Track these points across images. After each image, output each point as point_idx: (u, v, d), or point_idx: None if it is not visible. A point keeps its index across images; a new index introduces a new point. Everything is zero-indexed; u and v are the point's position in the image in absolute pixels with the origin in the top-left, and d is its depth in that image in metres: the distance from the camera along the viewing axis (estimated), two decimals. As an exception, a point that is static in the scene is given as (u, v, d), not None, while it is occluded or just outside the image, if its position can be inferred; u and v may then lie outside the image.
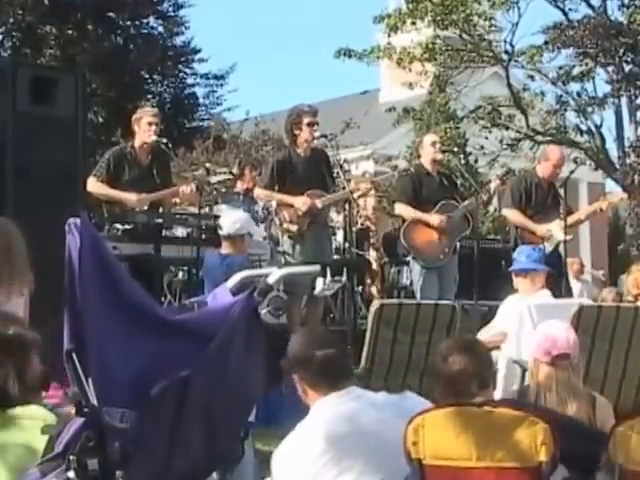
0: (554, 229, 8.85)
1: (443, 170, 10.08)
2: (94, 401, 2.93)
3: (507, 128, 21.70)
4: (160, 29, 26.29)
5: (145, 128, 8.44)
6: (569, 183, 9.46)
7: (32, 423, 3.40)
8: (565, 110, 21.80)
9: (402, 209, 9.17)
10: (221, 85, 26.72)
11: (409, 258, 9.07)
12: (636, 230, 22.24)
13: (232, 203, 10.14)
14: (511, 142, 21.76)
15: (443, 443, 3.65)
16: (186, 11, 26.39)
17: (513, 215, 9.11)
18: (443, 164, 13.65)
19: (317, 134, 8.54)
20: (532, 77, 21.70)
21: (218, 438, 3.14)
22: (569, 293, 9.10)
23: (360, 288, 11.01)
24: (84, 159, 7.65)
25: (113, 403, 2.94)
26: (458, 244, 9.11)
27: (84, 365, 2.95)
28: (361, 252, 11.80)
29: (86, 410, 2.94)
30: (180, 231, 8.60)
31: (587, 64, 21.01)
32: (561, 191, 9.22)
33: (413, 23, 20.36)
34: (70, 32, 24.54)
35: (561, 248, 8.87)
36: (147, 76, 26.04)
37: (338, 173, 8.86)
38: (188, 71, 26.62)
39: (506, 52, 21.30)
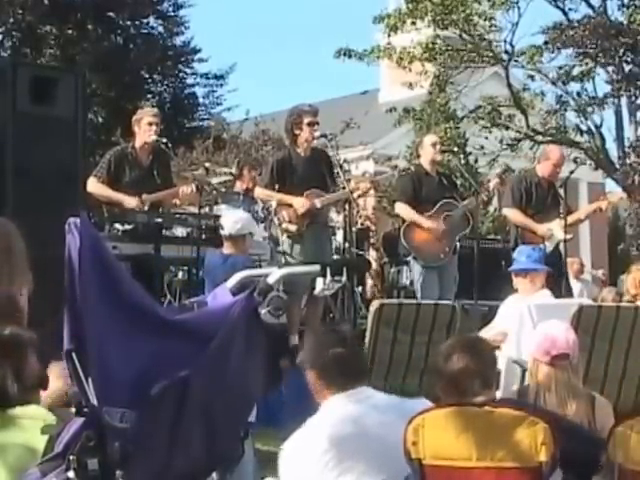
0: (554, 228, 8.85)
1: (442, 170, 10.08)
2: (94, 401, 2.92)
3: (507, 128, 21.69)
4: (160, 29, 26.31)
5: (145, 128, 8.45)
6: (569, 183, 9.47)
7: (32, 423, 3.40)
8: (565, 110, 21.80)
9: (402, 209, 9.18)
10: (221, 85, 26.75)
11: (409, 258, 9.07)
12: (636, 230, 22.25)
13: (232, 203, 10.14)
14: (511, 142, 21.76)
15: (443, 443, 3.65)
16: (186, 11, 26.45)
17: (514, 215, 9.11)
18: (443, 164, 13.67)
19: (317, 134, 8.55)
20: (532, 77, 21.71)
21: (218, 438, 3.14)
22: (569, 293, 9.11)
23: (360, 288, 11.01)
24: (84, 159, 7.65)
25: (113, 403, 2.94)
26: (458, 244, 9.11)
27: (84, 365, 2.95)
28: (361, 252, 11.79)
29: (86, 410, 2.94)
30: (180, 231, 8.59)
31: (587, 64, 21.01)
32: (561, 191, 9.22)
33: (413, 23, 20.36)
34: (70, 32, 24.55)
35: (561, 248, 8.88)
36: (147, 76, 26.04)
37: (338, 173, 8.86)
38: (188, 71, 26.63)
39: (506, 52, 21.30)
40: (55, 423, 3.32)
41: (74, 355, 2.95)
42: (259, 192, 8.93)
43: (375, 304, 7.12)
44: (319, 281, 7.82)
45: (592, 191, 26.30)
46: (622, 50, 20.81)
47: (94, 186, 8.27)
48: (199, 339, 3.11)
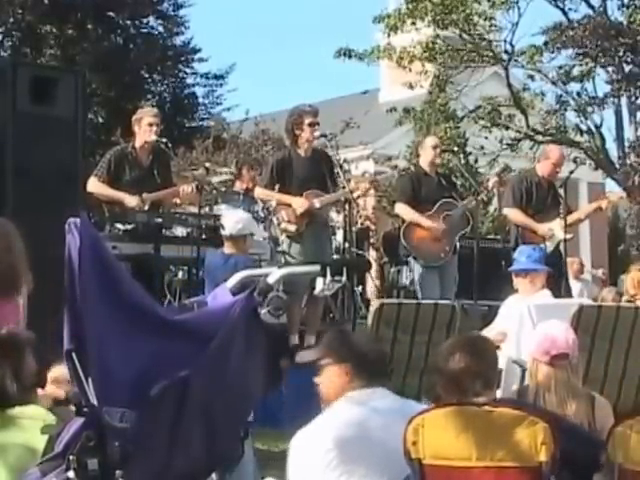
0: (555, 228, 8.86)
1: (442, 170, 10.08)
2: (94, 401, 2.93)
3: (507, 128, 21.68)
4: (160, 29, 26.30)
5: (146, 129, 8.45)
6: (569, 183, 9.46)
7: (32, 423, 3.41)
8: (565, 110, 21.79)
9: (402, 209, 9.20)
10: (221, 85, 26.74)
11: (409, 258, 9.07)
12: (636, 230, 22.25)
13: (232, 203, 10.14)
14: (511, 142, 21.75)
15: (443, 443, 3.65)
16: (186, 11, 26.44)
17: (514, 214, 9.12)
18: (443, 164, 13.67)
19: (317, 134, 8.56)
20: (532, 77, 21.70)
21: (218, 438, 3.14)
22: (568, 293, 9.11)
23: (360, 288, 11.01)
24: (84, 159, 7.66)
25: (113, 403, 2.94)
26: (458, 244, 9.12)
27: (84, 365, 2.95)
28: (361, 252, 11.79)
29: (86, 410, 2.94)
30: (180, 231, 8.60)
31: (587, 64, 21.01)
32: (561, 191, 9.23)
33: (413, 23, 20.35)
34: (70, 32, 24.55)
35: (561, 248, 8.88)
36: (147, 76, 26.04)
37: (338, 173, 8.87)
38: (188, 71, 26.62)
39: (506, 52, 21.29)
40: (55, 423, 3.32)
41: (74, 355, 2.95)
42: (259, 192, 8.93)
43: (375, 304, 7.12)
44: (319, 281, 7.81)
45: (592, 191, 26.29)
46: (622, 50, 20.81)
47: (94, 185, 8.28)
48: (199, 339, 3.11)
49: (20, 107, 6.92)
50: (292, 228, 8.45)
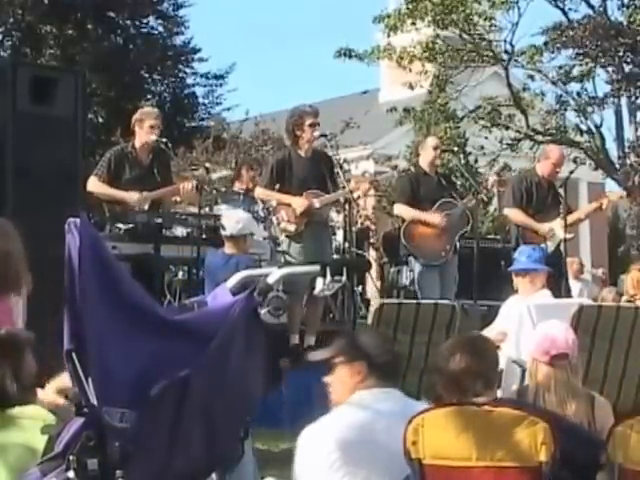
0: (556, 228, 8.86)
1: (442, 170, 10.08)
2: (94, 401, 2.92)
3: (507, 128, 21.69)
4: (160, 29, 26.32)
5: (147, 130, 8.45)
6: (569, 183, 9.47)
7: (32, 423, 3.41)
8: (565, 110, 21.80)
9: (401, 209, 9.20)
10: (221, 85, 26.74)
11: (410, 257, 9.07)
12: (636, 231, 22.25)
13: (232, 203, 10.14)
14: (511, 142, 21.76)
15: (443, 443, 3.65)
16: (186, 11, 26.46)
17: (515, 214, 9.12)
18: (443, 164, 13.66)
19: (317, 133, 8.56)
20: (532, 77, 21.70)
21: (218, 438, 3.14)
22: (569, 293, 9.11)
23: (360, 288, 11.01)
24: (84, 159, 7.65)
25: (113, 403, 2.94)
26: (458, 244, 9.12)
27: (84, 365, 2.95)
28: (361, 252, 11.79)
29: (86, 410, 2.94)
30: (180, 231, 8.60)
31: (587, 64, 21.01)
32: (561, 191, 9.23)
33: (413, 23, 20.35)
34: (70, 32, 24.56)
35: (562, 248, 8.88)
36: (147, 76, 26.04)
37: (338, 173, 8.87)
38: (188, 71, 26.63)
39: (506, 52, 21.29)
40: (55, 423, 3.32)
41: (74, 355, 2.95)
42: (259, 192, 8.95)
43: (375, 304, 7.12)
44: (319, 281, 7.82)
45: (592, 191, 26.28)
46: (622, 50, 20.81)
47: (94, 185, 8.28)
48: (199, 339, 3.11)
49: (20, 107, 6.91)
50: (292, 228, 8.45)
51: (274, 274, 3.51)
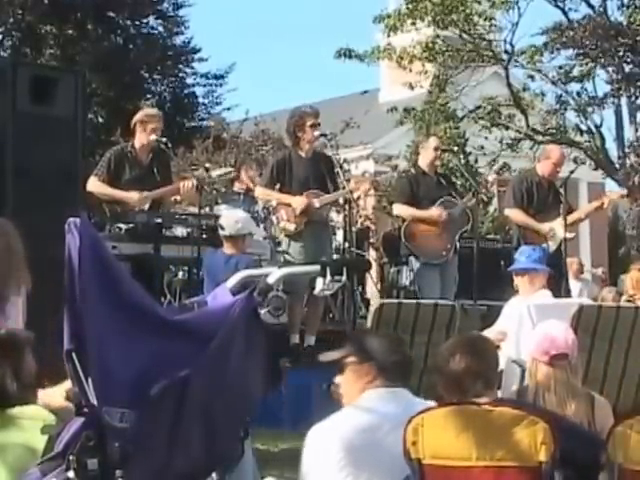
0: (556, 227, 8.86)
1: (441, 170, 10.08)
2: (94, 401, 2.93)
3: (507, 128, 21.69)
4: (160, 29, 26.30)
5: (149, 132, 8.44)
6: (569, 183, 9.48)
7: (32, 423, 3.41)
8: (565, 110, 21.80)
9: (401, 209, 9.21)
10: (220, 85, 26.74)
11: (410, 257, 9.07)
12: (636, 231, 22.24)
13: (232, 203, 10.15)
14: (511, 142, 21.76)
15: (442, 443, 3.65)
16: (186, 11, 26.44)
17: (516, 215, 9.12)
18: (443, 164, 13.66)
19: (316, 133, 8.57)
20: (532, 77, 21.70)
21: (218, 438, 3.14)
22: (568, 294, 9.10)
23: (360, 288, 11.01)
24: (84, 159, 7.65)
25: (113, 403, 2.94)
26: (458, 244, 9.12)
27: (84, 365, 2.95)
28: (361, 252, 11.79)
29: (86, 410, 2.94)
30: (180, 231, 8.60)
31: (587, 64, 21.02)
32: (561, 190, 9.23)
33: (413, 23, 20.35)
34: (70, 32, 24.55)
35: (563, 248, 8.88)
36: (147, 76, 26.03)
37: (338, 173, 8.87)
38: (188, 70, 26.62)
39: (506, 52, 21.29)
40: (55, 423, 3.32)
41: (74, 355, 2.95)
42: (259, 192, 8.97)
43: (375, 304, 7.12)
44: (319, 281, 7.82)
45: (592, 191, 26.29)
46: (622, 50, 20.81)
47: (94, 185, 8.28)
48: (199, 339, 3.11)
49: (20, 107, 6.91)
50: (291, 227, 8.46)
51: (274, 274, 3.51)
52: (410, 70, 20.94)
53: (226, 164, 17.65)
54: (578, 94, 21.55)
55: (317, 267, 4.35)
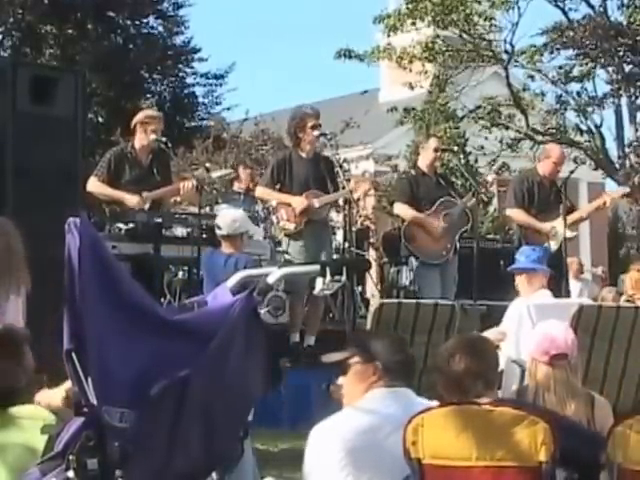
0: (558, 226, 8.85)
1: (441, 170, 10.09)
2: (94, 401, 2.93)
3: (507, 128, 21.70)
4: (160, 28, 26.31)
5: (149, 133, 8.44)
6: (569, 183, 9.48)
7: (32, 423, 3.41)
8: (565, 110, 21.81)
9: (400, 209, 9.21)
10: (220, 84, 26.74)
11: (411, 257, 9.07)
12: (636, 231, 22.24)
13: (232, 203, 10.15)
14: (511, 142, 21.76)
15: (442, 442, 3.65)
16: (186, 10, 26.44)
17: (517, 214, 9.12)
18: (443, 164, 13.66)
19: (316, 133, 8.58)
20: (532, 77, 21.71)
21: (217, 438, 3.14)
22: (568, 294, 9.10)
23: (360, 288, 11.02)
24: (84, 159, 7.65)
25: (113, 403, 2.94)
26: (458, 244, 9.12)
27: (84, 365, 2.95)
28: (361, 252, 11.80)
29: (86, 410, 2.94)
30: (180, 231, 8.60)
31: (587, 64, 21.02)
32: (562, 190, 9.22)
33: (413, 23, 20.36)
34: (70, 32, 24.55)
35: (563, 248, 8.87)
36: (147, 75, 26.03)
37: (338, 173, 8.88)
38: (188, 70, 26.62)
39: (506, 52, 21.29)
40: (55, 423, 3.32)
41: (74, 355, 2.95)
42: (259, 191, 8.98)
43: (375, 304, 7.12)
44: (319, 281, 7.82)
45: (592, 191, 26.28)
46: (622, 50, 20.82)
47: (94, 185, 8.28)
48: (199, 339, 3.11)
49: (20, 107, 6.91)
50: (291, 227, 8.47)
51: (274, 274, 3.51)
52: (410, 70, 20.95)
53: (226, 164, 17.66)
54: (578, 94, 21.57)
55: (317, 267, 4.35)
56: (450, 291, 8.89)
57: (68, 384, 3.78)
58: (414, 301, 7.66)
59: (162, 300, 8.54)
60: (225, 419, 3.18)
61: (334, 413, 3.99)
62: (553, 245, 8.81)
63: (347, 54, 21.10)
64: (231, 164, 11.84)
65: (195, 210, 8.62)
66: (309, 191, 8.50)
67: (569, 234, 8.85)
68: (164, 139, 8.54)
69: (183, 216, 8.76)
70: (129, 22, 25.80)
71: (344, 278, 8.48)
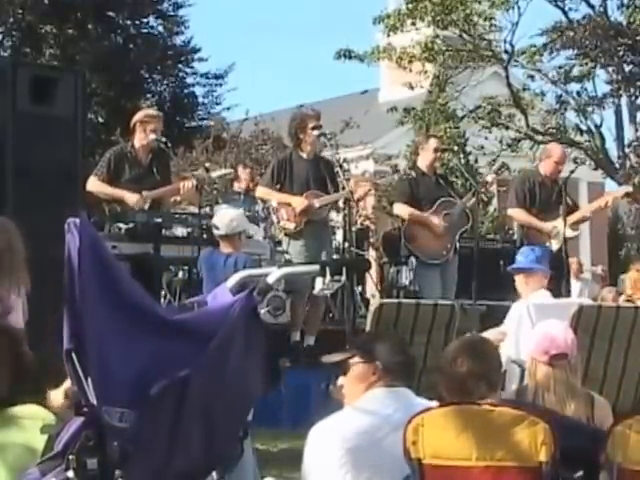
0: (560, 226, 8.85)
1: (440, 170, 10.09)
2: (93, 401, 2.92)
3: (507, 128, 21.70)
4: (160, 28, 26.33)
5: (148, 132, 8.45)
6: (569, 183, 9.47)
7: (32, 423, 3.40)
8: (565, 110, 21.81)
9: (400, 209, 9.21)
10: (220, 84, 26.75)
11: (411, 257, 9.07)
12: (636, 231, 22.25)
13: (232, 203, 10.15)
14: (511, 142, 21.76)
15: (443, 442, 3.65)
16: (185, 10, 26.47)
17: (518, 214, 9.13)
18: (443, 164, 13.66)
19: (316, 132, 8.59)
20: (532, 77, 21.71)
21: (217, 438, 3.14)
22: (569, 294, 9.10)
23: (360, 288, 11.02)
24: (84, 159, 7.65)
25: (112, 403, 2.94)
26: (458, 244, 9.12)
27: (83, 365, 2.94)
28: (361, 252, 11.80)
29: (85, 410, 2.94)
30: (180, 231, 8.61)
31: (587, 64, 21.02)
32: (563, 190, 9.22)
33: (413, 23, 20.36)
34: (70, 31, 24.56)
35: (564, 248, 8.87)
36: (147, 75, 26.05)
37: (338, 173, 8.89)
38: (188, 70, 26.64)
39: (506, 52, 21.30)
40: (55, 423, 3.32)
41: (74, 355, 2.95)
42: (259, 191, 8.99)
43: (374, 304, 7.12)
44: (318, 281, 7.82)
45: (592, 191, 26.30)
46: (622, 50, 20.82)
47: (94, 184, 8.28)
48: (199, 339, 3.11)
49: (20, 107, 6.91)
50: (291, 226, 8.48)
51: (274, 274, 3.51)
52: (410, 70, 20.95)
53: (226, 164, 17.67)
54: (578, 94, 21.57)
55: (316, 267, 4.36)
56: (450, 291, 8.89)
57: (68, 384, 3.78)
58: (414, 301, 7.66)
59: (162, 300, 8.55)
60: (225, 419, 3.18)
61: (334, 413, 4.00)
62: (554, 245, 8.81)
63: (347, 54, 21.10)
64: (231, 164, 11.84)
65: (195, 210, 8.62)
66: (309, 191, 8.51)
67: (572, 233, 8.85)
68: (164, 139, 8.55)
69: (183, 216, 8.76)
70: (129, 22, 25.81)
71: (344, 278, 8.50)
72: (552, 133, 21.50)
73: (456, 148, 19.40)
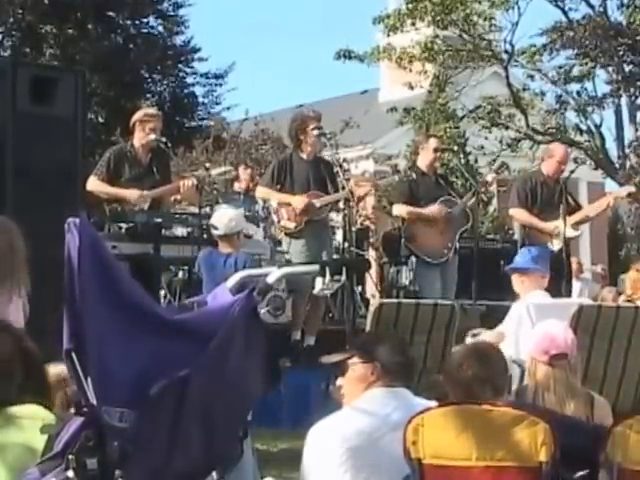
0: (561, 226, 8.84)
1: (440, 170, 10.09)
2: (93, 400, 2.92)
3: (507, 128, 21.71)
4: (160, 28, 26.35)
5: (148, 132, 8.45)
6: (569, 183, 9.48)
7: (32, 423, 3.40)
8: (565, 110, 21.81)
9: (400, 209, 9.21)
10: (220, 84, 26.76)
11: (411, 257, 9.07)
12: (636, 231, 22.25)
13: (232, 203, 10.15)
14: (511, 142, 21.77)
15: (443, 442, 3.65)
16: (186, 10, 26.50)
17: (520, 214, 9.13)
18: (443, 164, 13.67)
19: (315, 132, 8.59)
20: (532, 77, 21.72)
21: (217, 438, 3.14)
22: (569, 294, 9.10)
23: (359, 288, 11.02)
24: (84, 159, 7.65)
25: (112, 403, 2.93)
26: (458, 244, 9.12)
27: (83, 365, 2.94)
28: (361, 252, 11.80)
29: (85, 409, 2.94)
30: (180, 231, 8.60)
31: (587, 64, 21.03)
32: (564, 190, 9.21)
33: (413, 23, 20.38)
34: (70, 31, 24.57)
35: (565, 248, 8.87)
36: (147, 75, 26.06)
37: (338, 173, 8.89)
38: (188, 70, 26.66)
39: (506, 52, 21.31)
40: (54, 423, 3.32)
41: (73, 355, 2.95)
42: (260, 191, 8.99)
43: (374, 304, 7.12)
44: (318, 280, 7.84)
45: (592, 191, 26.30)
46: (622, 50, 20.83)
47: (94, 184, 8.28)
48: (199, 339, 3.11)
49: (20, 107, 6.91)
50: (291, 226, 8.48)
51: (274, 274, 3.51)
52: (410, 70, 20.97)
53: (226, 164, 17.67)
54: (578, 94, 21.58)
55: (316, 267, 4.35)
56: (450, 291, 8.89)
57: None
58: (414, 301, 7.66)
59: (162, 300, 8.55)
60: (225, 419, 3.18)
61: (334, 413, 4.00)
62: (556, 244, 8.80)
63: (347, 54, 21.12)
64: (231, 163, 11.85)
65: (195, 210, 8.62)
66: (310, 192, 8.52)
67: (573, 233, 8.84)
68: (164, 139, 8.55)
69: (183, 216, 8.76)
70: (129, 22, 25.82)
71: (344, 278, 8.52)
72: (552, 133, 21.51)
73: (456, 148, 19.40)
